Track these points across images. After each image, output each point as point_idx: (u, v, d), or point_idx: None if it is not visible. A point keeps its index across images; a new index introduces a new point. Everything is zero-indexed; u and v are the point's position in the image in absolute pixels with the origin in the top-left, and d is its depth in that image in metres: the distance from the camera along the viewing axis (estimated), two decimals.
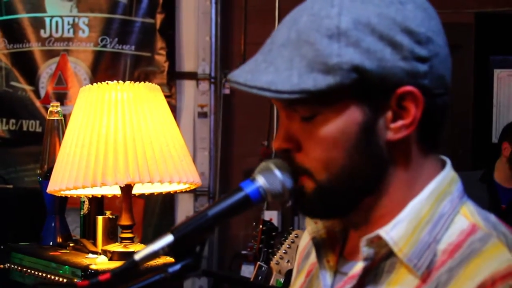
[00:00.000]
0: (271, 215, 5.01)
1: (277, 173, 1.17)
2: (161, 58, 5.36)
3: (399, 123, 1.12)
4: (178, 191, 2.54)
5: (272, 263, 3.39)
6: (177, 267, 1.12)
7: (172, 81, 5.36)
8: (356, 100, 1.10)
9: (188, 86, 5.44)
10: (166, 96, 4.72)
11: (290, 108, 1.15)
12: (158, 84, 2.54)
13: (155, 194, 2.51)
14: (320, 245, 1.27)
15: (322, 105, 1.11)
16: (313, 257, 1.32)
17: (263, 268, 3.49)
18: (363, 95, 1.10)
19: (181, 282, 2.36)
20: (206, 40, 5.38)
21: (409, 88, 1.10)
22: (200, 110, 5.38)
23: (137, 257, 1.11)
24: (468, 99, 5.12)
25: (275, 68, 1.10)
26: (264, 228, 3.89)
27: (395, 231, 1.13)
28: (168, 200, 5.38)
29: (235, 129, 5.42)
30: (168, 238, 1.12)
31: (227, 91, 5.36)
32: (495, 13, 5.05)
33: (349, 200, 1.17)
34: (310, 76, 1.08)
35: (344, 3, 1.10)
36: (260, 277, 3.50)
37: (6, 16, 5.42)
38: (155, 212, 5.37)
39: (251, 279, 3.59)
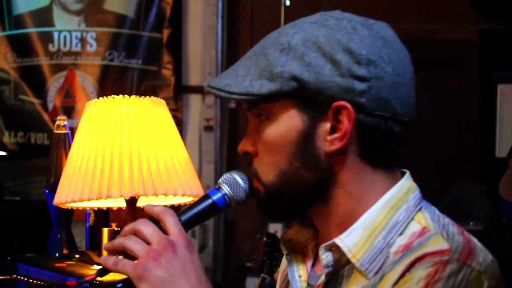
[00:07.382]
0: (276, 228, 5.03)
1: (240, 182, 1.30)
2: (167, 72, 5.40)
3: (334, 135, 1.22)
4: (182, 204, 2.57)
5: (276, 275, 3.41)
6: None
7: (178, 95, 5.40)
8: (297, 109, 1.23)
9: (194, 100, 5.48)
10: (172, 110, 4.76)
11: (251, 113, 1.29)
12: (164, 98, 2.58)
13: None
14: (293, 262, 1.36)
15: (267, 110, 1.25)
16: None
17: (267, 280, 3.52)
18: (302, 105, 1.22)
19: None
20: (212, 54, 5.42)
21: (342, 102, 1.20)
22: (206, 124, 5.42)
23: None
24: (472, 114, 5.16)
25: (236, 74, 1.26)
26: (268, 240, 3.92)
27: (349, 238, 1.23)
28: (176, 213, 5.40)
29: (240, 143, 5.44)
30: None
31: (232, 105, 5.39)
32: (499, 29, 5.08)
33: (293, 205, 1.28)
34: (258, 81, 1.23)
35: (304, 25, 1.26)
36: None
37: (15, 31, 5.48)
38: None
39: None
